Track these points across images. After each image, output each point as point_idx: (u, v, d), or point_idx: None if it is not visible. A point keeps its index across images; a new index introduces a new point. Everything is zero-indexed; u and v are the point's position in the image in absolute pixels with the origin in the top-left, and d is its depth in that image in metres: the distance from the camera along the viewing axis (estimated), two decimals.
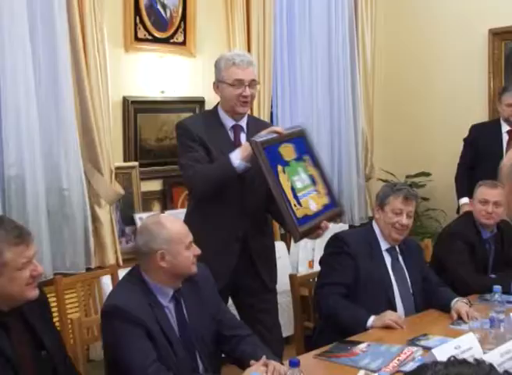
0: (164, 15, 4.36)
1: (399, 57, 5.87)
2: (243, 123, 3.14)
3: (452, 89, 5.55)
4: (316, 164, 3.06)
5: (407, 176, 5.63)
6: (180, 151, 3.07)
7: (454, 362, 0.94)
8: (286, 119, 5.13)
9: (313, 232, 2.96)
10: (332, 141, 5.50)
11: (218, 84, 3.08)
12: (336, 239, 3.19)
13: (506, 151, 4.69)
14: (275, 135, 2.91)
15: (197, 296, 2.53)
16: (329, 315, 3.05)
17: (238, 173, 2.90)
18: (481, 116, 5.36)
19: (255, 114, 4.74)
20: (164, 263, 2.41)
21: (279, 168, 2.82)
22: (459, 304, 3.03)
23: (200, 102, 4.55)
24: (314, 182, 2.99)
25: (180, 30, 4.44)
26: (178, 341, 2.41)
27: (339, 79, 5.46)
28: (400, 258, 3.20)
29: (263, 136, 2.87)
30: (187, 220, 3.00)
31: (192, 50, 4.51)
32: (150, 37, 4.30)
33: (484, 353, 2.27)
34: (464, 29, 5.43)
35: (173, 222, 2.49)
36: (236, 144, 3.04)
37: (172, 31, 4.40)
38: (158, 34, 4.34)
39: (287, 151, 2.92)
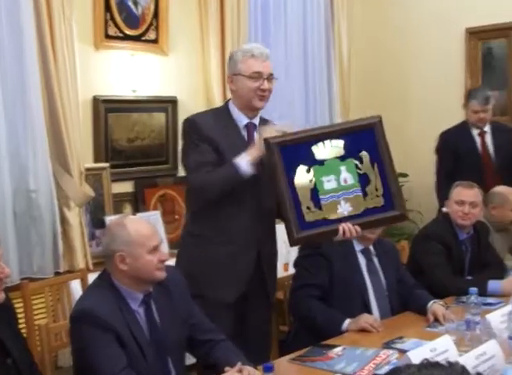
0: (135, 11, 4.29)
1: (375, 55, 5.85)
2: (257, 121, 2.92)
3: (428, 88, 5.54)
4: (379, 161, 2.78)
5: None
6: (186, 150, 2.87)
7: (427, 365, 0.95)
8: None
9: (330, 236, 2.79)
10: None
11: (232, 78, 2.85)
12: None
13: (482, 152, 4.69)
14: (302, 132, 2.77)
15: (168, 300, 2.47)
16: (304, 318, 3.02)
17: (246, 178, 2.72)
18: (458, 115, 5.32)
19: None
20: (124, 266, 2.33)
21: (301, 168, 2.69)
22: (435, 306, 3.00)
23: (173, 102, 4.49)
24: (364, 182, 2.76)
25: (152, 27, 4.37)
26: (149, 346, 2.35)
27: (315, 76, 5.45)
28: (375, 259, 3.16)
29: (283, 135, 2.72)
30: (191, 228, 2.90)
31: (164, 48, 4.44)
32: (121, 35, 4.23)
33: (460, 355, 2.24)
34: (442, 28, 5.44)
35: (137, 223, 2.41)
36: (251, 143, 2.83)
37: (143, 28, 4.33)
38: (129, 32, 4.26)
39: (329, 149, 2.73)
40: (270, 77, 2.83)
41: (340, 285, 3.01)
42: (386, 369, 2.43)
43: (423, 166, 5.24)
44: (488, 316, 2.65)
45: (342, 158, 2.73)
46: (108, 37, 4.16)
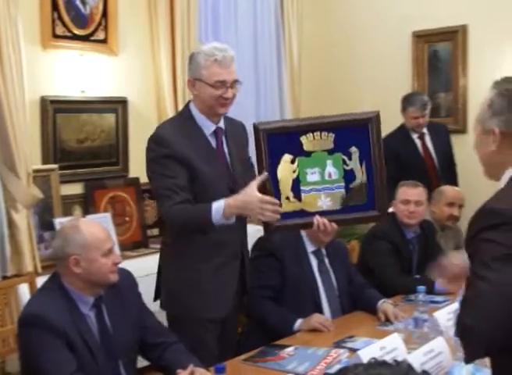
0: (84, 11, 4.21)
1: (325, 56, 5.90)
2: (222, 123, 2.76)
3: (377, 90, 5.61)
4: (367, 159, 2.69)
5: None
6: (155, 172, 2.63)
7: (374, 364, 0.96)
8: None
9: (305, 228, 2.85)
10: None
11: (194, 82, 2.66)
12: (261, 241, 3.15)
13: (424, 154, 4.75)
14: (293, 121, 2.72)
15: (119, 303, 2.45)
16: (257, 319, 3.03)
17: (215, 227, 2.56)
18: None
19: None
20: (78, 269, 2.31)
21: (286, 157, 2.61)
22: (385, 305, 3.05)
23: (123, 102, 4.43)
24: (349, 178, 2.67)
25: (101, 27, 4.31)
26: (99, 349, 2.33)
27: (266, 77, 5.47)
28: (326, 260, 3.19)
29: (273, 122, 2.68)
30: (173, 247, 2.74)
31: (114, 48, 4.38)
32: (69, 34, 4.15)
33: (408, 353, 2.28)
34: (389, 30, 5.51)
35: (91, 227, 2.40)
36: (219, 151, 2.72)
37: (92, 28, 4.26)
38: (77, 31, 4.19)
39: (317, 141, 2.64)
40: (234, 84, 2.66)
41: (292, 286, 3.03)
42: (337, 368, 2.46)
43: None
44: (436, 314, 2.71)
45: (330, 152, 2.65)
46: (55, 36, 4.08)
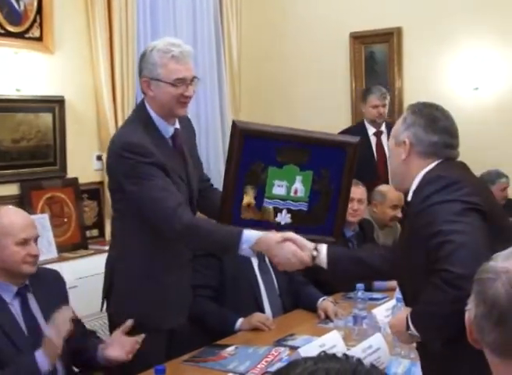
0: (17, 7, 4.10)
1: (265, 58, 5.92)
2: (177, 123, 2.59)
3: (316, 90, 5.67)
4: (337, 184, 2.53)
5: None
6: (136, 181, 2.39)
7: (324, 358, 0.95)
8: None
9: None
10: (199, 143, 5.46)
11: (150, 82, 2.46)
12: None
13: (377, 153, 4.83)
14: (274, 128, 2.52)
15: (47, 293, 2.42)
16: (197, 319, 3.00)
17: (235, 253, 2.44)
18: (346, 118, 5.54)
19: (118, 114, 4.60)
20: None
21: (258, 164, 2.46)
22: (325, 303, 3.09)
23: (60, 101, 4.34)
24: (314, 199, 2.53)
25: (36, 24, 4.20)
26: (26, 340, 2.27)
27: (206, 79, 5.44)
28: (267, 259, 3.19)
29: (253, 124, 2.51)
30: (130, 253, 2.53)
31: (50, 46, 4.28)
32: (2, 31, 4.03)
33: (348, 350, 2.32)
34: (327, 32, 5.57)
35: (12, 214, 2.36)
36: (180, 154, 2.57)
37: (26, 25, 4.15)
38: (11, 28, 4.07)
39: (293, 153, 2.50)
40: (193, 80, 2.50)
41: (232, 285, 3.03)
42: (278, 366, 2.48)
43: None
44: (374, 311, 2.77)
45: (302, 168, 2.50)
46: None
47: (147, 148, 2.40)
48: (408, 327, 1.83)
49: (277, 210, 2.52)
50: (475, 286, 1.26)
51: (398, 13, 5.28)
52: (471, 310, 1.25)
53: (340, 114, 5.54)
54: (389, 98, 4.93)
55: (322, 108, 5.61)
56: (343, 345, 2.38)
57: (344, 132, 4.69)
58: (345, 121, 5.48)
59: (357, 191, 3.71)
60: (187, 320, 3.12)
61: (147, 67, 2.46)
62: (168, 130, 2.54)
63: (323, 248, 2.32)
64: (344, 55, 5.53)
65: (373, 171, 4.67)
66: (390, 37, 5.31)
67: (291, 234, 2.38)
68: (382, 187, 4.22)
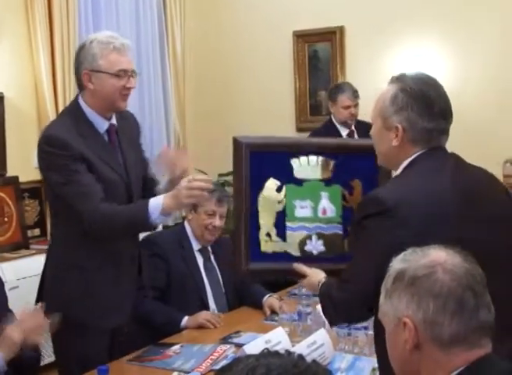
0: None
1: (209, 54, 5.91)
2: (114, 120, 2.55)
3: (260, 89, 5.69)
4: None
5: (220, 175, 5.68)
6: (57, 175, 2.39)
7: (266, 354, 0.98)
8: None
9: (288, 275, 2.28)
10: (143, 139, 5.40)
11: (91, 74, 2.42)
12: (145, 241, 3.12)
13: None
14: (284, 139, 2.28)
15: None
16: (142, 319, 2.98)
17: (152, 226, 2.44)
18: (289, 116, 5.58)
19: (60, 110, 4.51)
20: None
21: (271, 183, 2.08)
22: (270, 299, 3.11)
23: None
24: (349, 218, 2.07)
25: None
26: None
27: (150, 76, 5.41)
28: (212, 257, 3.21)
29: (259, 137, 2.20)
30: (65, 259, 2.49)
31: None
32: None
33: (293, 346, 2.33)
34: (271, 30, 5.59)
35: None
36: (115, 150, 2.53)
37: None
38: None
39: (313, 166, 2.11)
40: (133, 73, 2.48)
41: (178, 284, 3.03)
42: (223, 363, 2.48)
43: None
44: (319, 307, 2.78)
45: (327, 183, 2.10)
46: None
47: (64, 141, 2.37)
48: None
49: (305, 237, 2.09)
50: (410, 289, 1.26)
51: (340, 12, 5.34)
52: (413, 315, 1.25)
53: (285, 111, 5.57)
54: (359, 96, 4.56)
55: (267, 105, 5.63)
56: (289, 341, 2.40)
57: (316, 132, 4.53)
58: (289, 119, 5.53)
59: None
60: (132, 320, 3.12)
61: (88, 59, 2.42)
62: (102, 125, 2.50)
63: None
64: (288, 53, 5.56)
65: None
66: (333, 36, 5.36)
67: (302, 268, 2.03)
68: None
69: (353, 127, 4.62)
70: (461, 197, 1.68)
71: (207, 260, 3.18)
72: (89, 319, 2.47)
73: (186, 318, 2.91)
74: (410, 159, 1.76)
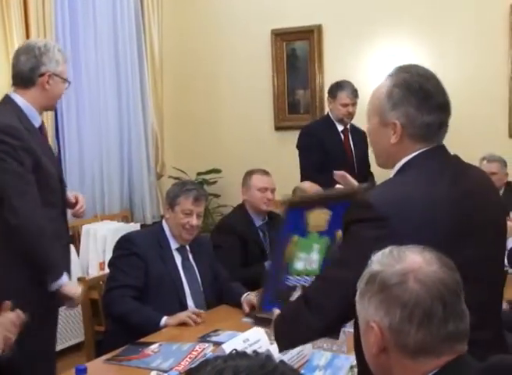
0: None
1: (187, 54, 5.91)
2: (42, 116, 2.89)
3: (239, 86, 5.70)
4: None
5: (198, 173, 5.69)
6: (8, 167, 2.55)
7: (234, 356, 0.98)
8: (72, 117, 4.93)
9: None
10: (122, 138, 5.41)
11: (52, 77, 2.72)
12: (123, 240, 3.12)
13: (345, 150, 4.61)
14: (318, 192, 2.31)
15: None
16: (120, 318, 2.97)
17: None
18: (268, 114, 5.60)
19: None
20: None
21: (294, 238, 2.04)
22: (249, 297, 3.10)
23: None
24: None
25: None
26: None
27: (127, 76, 5.39)
28: (191, 256, 3.20)
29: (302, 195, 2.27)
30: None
31: None
32: None
33: (271, 344, 2.33)
34: (249, 28, 5.61)
35: None
36: (44, 142, 2.81)
37: None
38: None
39: (318, 218, 2.05)
40: None
41: (156, 284, 3.01)
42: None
43: (236, 162, 5.43)
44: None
45: (321, 234, 2.06)
46: None
47: (18, 130, 2.57)
48: None
49: (292, 289, 2.06)
50: (379, 295, 1.26)
51: (318, 11, 5.37)
52: (380, 321, 1.25)
53: (263, 109, 5.59)
54: (358, 96, 4.53)
55: (245, 103, 5.64)
56: (267, 340, 2.39)
57: (314, 128, 4.62)
58: (267, 117, 5.54)
59: (269, 180, 3.81)
60: (111, 320, 3.11)
61: (52, 63, 2.72)
62: (38, 119, 2.73)
63: None
64: (266, 51, 5.58)
65: (344, 167, 4.53)
66: (311, 35, 5.39)
67: None
68: (304, 185, 4.25)
69: (348, 126, 4.64)
70: (457, 208, 1.61)
71: (185, 259, 3.17)
72: None
73: (165, 318, 2.89)
74: (408, 158, 1.68)
